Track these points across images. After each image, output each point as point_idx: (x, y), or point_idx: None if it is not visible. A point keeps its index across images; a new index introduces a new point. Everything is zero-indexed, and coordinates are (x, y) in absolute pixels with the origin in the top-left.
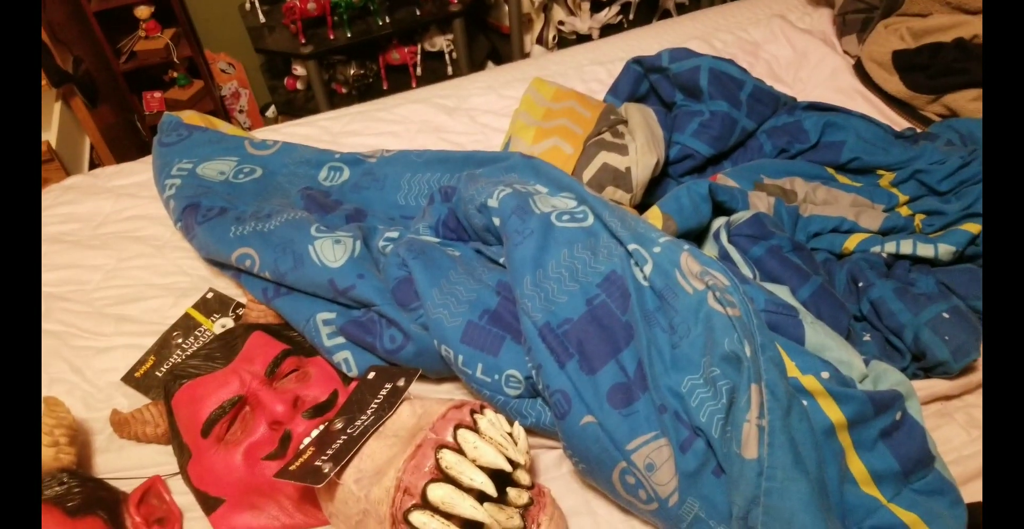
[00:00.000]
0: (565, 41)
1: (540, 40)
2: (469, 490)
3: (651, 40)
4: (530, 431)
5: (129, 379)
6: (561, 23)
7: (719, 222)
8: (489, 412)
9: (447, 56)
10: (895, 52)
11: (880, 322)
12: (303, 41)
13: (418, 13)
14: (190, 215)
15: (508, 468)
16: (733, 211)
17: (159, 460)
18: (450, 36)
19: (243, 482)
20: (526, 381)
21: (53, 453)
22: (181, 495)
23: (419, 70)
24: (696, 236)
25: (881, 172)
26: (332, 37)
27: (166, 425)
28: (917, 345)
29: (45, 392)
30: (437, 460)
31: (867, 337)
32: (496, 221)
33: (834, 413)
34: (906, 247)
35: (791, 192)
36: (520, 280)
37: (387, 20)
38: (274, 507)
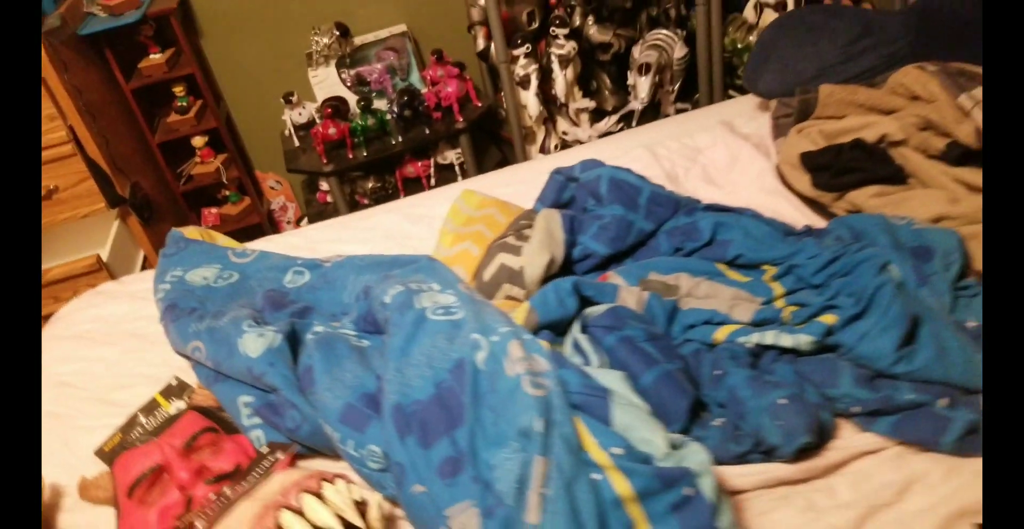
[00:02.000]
0: (568, 148)
1: (543, 149)
2: None
3: (604, 149)
4: (396, 502)
5: (100, 453)
6: (564, 133)
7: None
8: (340, 482)
9: (458, 167)
10: (802, 154)
11: (733, 410)
12: (325, 161)
13: (428, 131)
14: (168, 314)
15: (341, 525)
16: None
17: (108, 521)
18: (459, 150)
19: None
20: (385, 457)
21: None
22: None
23: (433, 181)
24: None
25: (766, 267)
26: (351, 156)
27: (112, 490)
28: (755, 430)
29: (48, 459)
30: (277, 519)
31: (717, 422)
32: (387, 313)
33: (622, 486)
34: (769, 338)
35: (675, 287)
36: (387, 366)
37: (400, 139)
38: None
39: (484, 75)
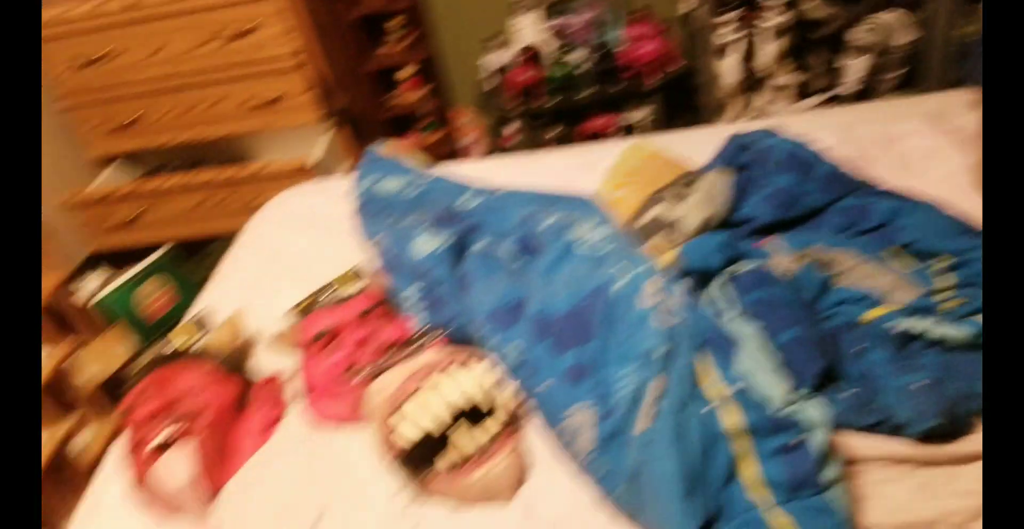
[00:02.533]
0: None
1: (735, 121)
2: (440, 412)
3: (795, 124)
4: (525, 396)
5: (292, 312)
6: (761, 108)
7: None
8: (484, 364)
9: (643, 128)
10: None
11: (867, 385)
12: (515, 105)
13: (618, 88)
14: (359, 212)
15: (473, 403)
16: None
17: (289, 365)
18: (647, 111)
19: (326, 382)
20: (521, 354)
21: (223, 341)
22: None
23: (616, 139)
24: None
25: (934, 260)
26: (540, 103)
27: (297, 341)
28: (885, 406)
29: (251, 312)
30: (423, 383)
31: (845, 394)
32: (540, 240)
33: (732, 420)
34: (921, 326)
35: (833, 262)
36: (534, 282)
37: (590, 92)
38: (344, 401)
39: (687, 38)
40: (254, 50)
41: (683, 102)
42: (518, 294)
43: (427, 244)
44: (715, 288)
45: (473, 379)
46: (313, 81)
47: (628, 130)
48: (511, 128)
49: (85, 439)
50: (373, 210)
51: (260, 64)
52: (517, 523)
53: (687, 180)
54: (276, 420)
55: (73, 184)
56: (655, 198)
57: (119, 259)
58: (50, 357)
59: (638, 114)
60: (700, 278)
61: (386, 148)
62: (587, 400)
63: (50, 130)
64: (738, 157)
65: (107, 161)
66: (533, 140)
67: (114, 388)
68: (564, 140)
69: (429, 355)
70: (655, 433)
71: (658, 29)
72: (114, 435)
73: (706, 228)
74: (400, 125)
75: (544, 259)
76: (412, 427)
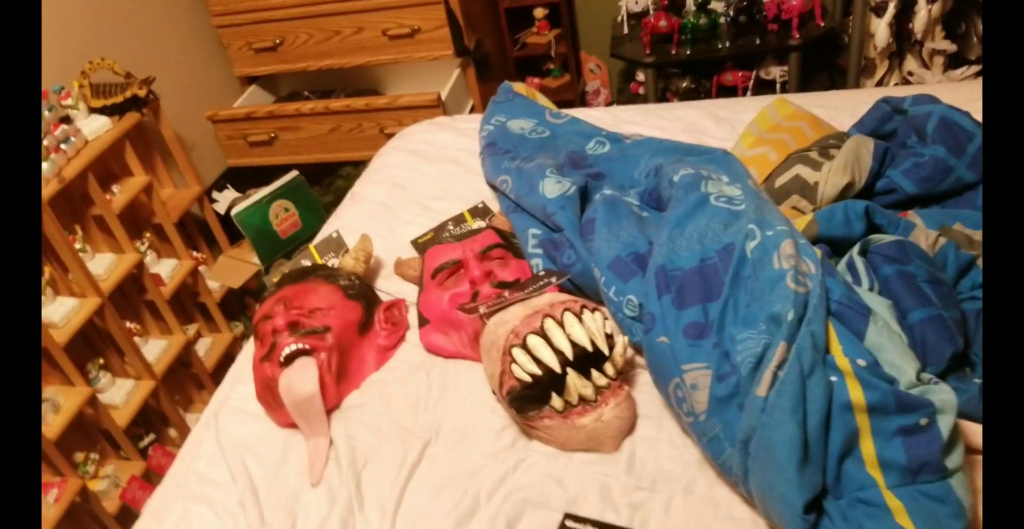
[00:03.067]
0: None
1: (881, 86)
2: (558, 353)
3: (947, 93)
4: (638, 349)
5: (415, 243)
6: (910, 73)
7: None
8: (599, 313)
9: (779, 86)
10: None
11: None
12: (648, 52)
13: (758, 42)
14: (487, 150)
15: (589, 348)
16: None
17: (409, 292)
18: (785, 68)
19: (443, 314)
20: (639, 307)
21: (352, 263)
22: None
23: (749, 94)
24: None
25: None
26: (674, 52)
27: (420, 271)
28: None
29: (376, 239)
30: (542, 323)
31: (978, 380)
32: (672, 191)
33: (856, 394)
34: None
35: (977, 243)
36: (661, 233)
37: (727, 44)
38: (456, 337)
39: None
40: None
41: (824, 62)
42: (642, 245)
43: (553, 188)
44: (851, 257)
45: (591, 326)
46: (450, 16)
47: (763, 87)
48: (640, 77)
49: (212, 341)
50: (501, 149)
51: None
52: (619, 473)
53: (830, 143)
54: (397, 343)
55: (219, 101)
56: (795, 158)
57: (246, 177)
58: (183, 265)
59: (776, 70)
60: (835, 245)
61: (518, 87)
62: (704, 360)
63: (204, 47)
64: (887, 122)
65: (248, 82)
66: (662, 90)
67: (241, 297)
68: (695, 93)
69: (547, 298)
70: (775, 399)
71: None
72: (241, 340)
73: (845, 195)
74: (526, 67)
75: (676, 211)
76: (532, 362)
